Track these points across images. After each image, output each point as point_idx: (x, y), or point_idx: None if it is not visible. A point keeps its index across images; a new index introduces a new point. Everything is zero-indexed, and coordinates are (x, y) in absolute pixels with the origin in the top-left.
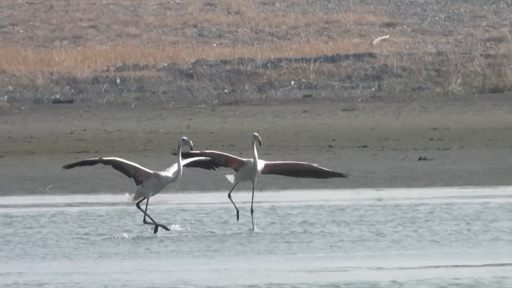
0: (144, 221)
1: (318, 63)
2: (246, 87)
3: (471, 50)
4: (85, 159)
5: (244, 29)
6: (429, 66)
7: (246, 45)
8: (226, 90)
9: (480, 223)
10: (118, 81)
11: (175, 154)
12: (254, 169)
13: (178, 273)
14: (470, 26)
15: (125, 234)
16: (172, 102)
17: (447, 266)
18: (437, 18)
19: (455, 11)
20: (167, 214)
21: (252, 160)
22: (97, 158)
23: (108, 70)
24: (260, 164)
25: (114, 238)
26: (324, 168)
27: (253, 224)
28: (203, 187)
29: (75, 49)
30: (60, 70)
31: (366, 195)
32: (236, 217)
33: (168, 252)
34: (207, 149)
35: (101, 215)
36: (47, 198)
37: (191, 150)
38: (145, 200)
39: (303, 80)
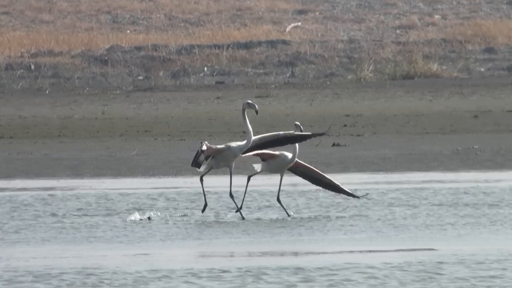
0: (231, 195)
1: (231, 49)
2: (161, 74)
3: (382, 38)
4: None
5: (158, 16)
6: (341, 53)
7: (159, 31)
8: (140, 77)
9: (392, 208)
10: (32, 67)
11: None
12: (290, 161)
13: (91, 258)
14: (381, 14)
15: (39, 219)
16: (87, 88)
17: (361, 252)
18: (348, 5)
19: None
20: (79, 201)
21: (284, 153)
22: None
23: (22, 56)
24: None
25: (28, 223)
26: (339, 185)
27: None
28: (118, 173)
29: None
30: None
31: (278, 180)
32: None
33: (80, 238)
34: (122, 135)
35: (15, 201)
36: None
37: (256, 114)
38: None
39: (216, 66)
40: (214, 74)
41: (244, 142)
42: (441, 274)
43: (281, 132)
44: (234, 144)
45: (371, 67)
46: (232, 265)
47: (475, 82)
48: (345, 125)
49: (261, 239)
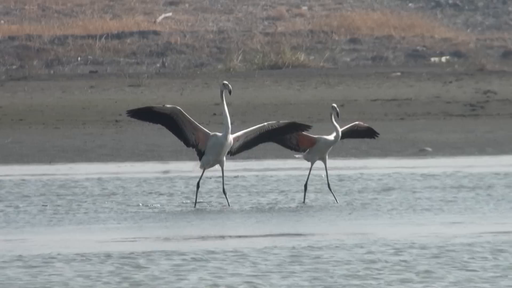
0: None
1: (104, 40)
2: (35, 63)
3: (251, 28)
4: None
5: (31, 7)
6: (210, 43)
7: (33, 22)
8: (14, 66)
9: (264, 195)
10: None
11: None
12: (334, 142)
13: None
14: (249, 5)
15: None
16: None
17: (230, 236)
18: None
19: None
20: None
21: (324, 136)
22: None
23: None
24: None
25: None
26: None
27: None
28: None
29: None
30: None
31: (153, 168)
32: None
33: None
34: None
35: None
36: None
37: (230, 94)
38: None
39: (89, 56)
40: (88, 63)
41: (226, 126)
42: (313, 258)
43: (265, 124)
44: (218, 133)
45: (240, 57)
46: (108, 251)
47: (341, 72)
48: (215, 114)
49: (131, 226)
